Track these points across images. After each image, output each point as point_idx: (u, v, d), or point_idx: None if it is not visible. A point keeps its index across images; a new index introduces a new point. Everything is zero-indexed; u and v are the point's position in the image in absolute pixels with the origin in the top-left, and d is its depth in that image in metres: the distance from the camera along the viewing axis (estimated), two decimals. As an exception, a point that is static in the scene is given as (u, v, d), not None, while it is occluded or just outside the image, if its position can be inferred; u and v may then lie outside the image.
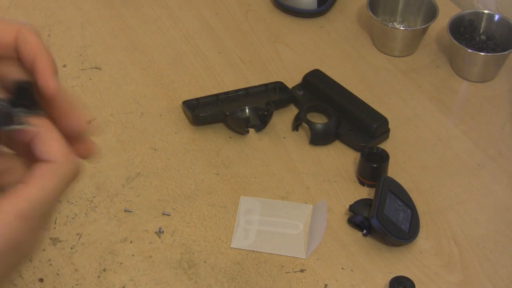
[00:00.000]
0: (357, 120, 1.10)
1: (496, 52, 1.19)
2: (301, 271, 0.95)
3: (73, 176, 0.66)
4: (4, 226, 0.63)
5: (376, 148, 1.05)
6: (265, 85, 1.15)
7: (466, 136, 1.12)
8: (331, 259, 0.97)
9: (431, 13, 1.22)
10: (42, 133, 0.66)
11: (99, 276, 0.94)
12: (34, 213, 0.64)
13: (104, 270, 0.95)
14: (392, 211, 0.98)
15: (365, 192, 1.04)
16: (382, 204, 0.97)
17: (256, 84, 1.16)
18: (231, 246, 0.98)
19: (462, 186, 1.05)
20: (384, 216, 0.96)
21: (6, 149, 0.70)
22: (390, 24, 1.26)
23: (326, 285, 0.94)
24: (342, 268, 0.96)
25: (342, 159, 1.08)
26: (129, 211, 1.01)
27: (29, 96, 0.67)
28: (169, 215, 1.01)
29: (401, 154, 1.09)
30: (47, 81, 0.67)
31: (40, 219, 0.66)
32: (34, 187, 0.64)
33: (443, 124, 1.13)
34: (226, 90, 1.14)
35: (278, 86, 1.15)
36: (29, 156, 0.68)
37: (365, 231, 0.99)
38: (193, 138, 1.10)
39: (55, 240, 0.98)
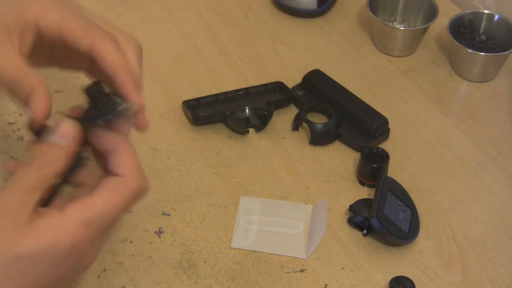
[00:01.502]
0: (357, 120, 1.10)
1: (496, 52, 1.19)
2: (301, 271, 0.96)
3: (140, 194, 0.70)
4: (70, 232, 0.66)
5: (376, 148, 1.05)
6: (265, 85, 1.15)
7: (466, 136, 1.12)
8: (331, 259, 0.97)
9: (431, 13, 1.22)
10: (120, 148, 0.70)
11: (99, 276, 0.94)
12: (99, 224, 0.67)
13: (104, 270, 0.95)
14: (392, 211, 0.98)
15: (365, 192, 1.04)
16: (382, 204, 0.97)
17: (256, 84, 1.16)
18: (231, 246, 0.98)
19: (462, 186, 1.05)
20: (384, 216, 0.96)
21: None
22: (390, 24, 1.26)
23: (326, 285, 0.94)
24: (342, 268, 0.96)
25: (342, 159, 1.08)
26: (129, 211, 1.01)
27: (103, 95, 0.71)
28: (169, 215, 1.01)
29: (401, 154, 1.09)
30: (131, 100, 0.71)
31: (103, 231, 0.68)
32: (102, 199, 0.67)
33: (443, 124, 1.13)
34: (226, 90, 1.14)
35: (278, 86, 1.15)
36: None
37: (365, 231, 0.99)
38: (193, 138, 1.10)
39: (55, 240, 0.97)
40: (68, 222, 0.66)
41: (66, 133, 0.69)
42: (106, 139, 0.71)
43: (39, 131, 0.71)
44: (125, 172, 0.69)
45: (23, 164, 0.68)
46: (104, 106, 0.71)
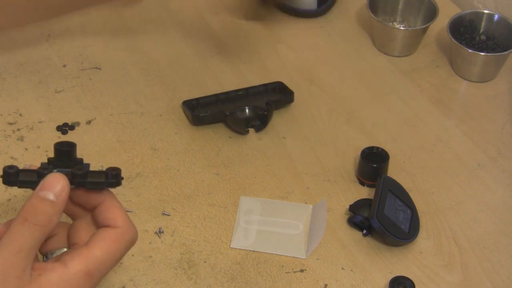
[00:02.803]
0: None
1: (496, 52, 1.19)
2: (301, 271, 0.95)
3: (133, 243, 0.73)
4: (75, 285, 0.69)
5: (376, 148, 1.05)
6: (265, 85, 1.15)
7: (466, 136, 1.12)
8: (331, 259, 0.97)
9: (431, 13, 1.22)
10: (108, 200, 0.73)
11: (99, 276, 0.94)
12: (99, 273, 0.71)
13: (104, 270, 0.95)
14: (392, 211, 0.98)
15: (365, 192, 1.04)
16: (382, 204, 0.97)
17: (256, 84, 1.16)
18: (231, 246, 0.98)
19: (462, 186, 1.05)
20: (384, 216, 0.96)
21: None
22: (390, 24, 1.26)
23: (326, 285, 0.94)
24: (342, 268, 0.96)
25: (342, 159, 1.08)
26: (129, 211, 1.01)
27: (70, 157, 0.73)
28: (169, 215, 1.01)
29: (401, 154, 1.09)
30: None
31: (100, 279, 0.72)
32: (101, 250, 0.70)
33: (443, 124, 1.13)
34: (226, 90, 1.14)
35: (278, 86, 1.15)
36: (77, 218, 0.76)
37: (365, 231, 0.99)
38: (193, 138, 1.10)
39: (55, 240, 0.98)
40: (72, 276, 0.69)
41: (59, 190, 0.70)
42: (92, 194, 0.73)
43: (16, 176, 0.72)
44: (119, 224, 0.72)
45: (15, 221, 0.69)
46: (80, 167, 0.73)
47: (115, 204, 0.73)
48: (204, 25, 1.28)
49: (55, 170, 0.72)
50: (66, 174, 0.71)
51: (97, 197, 0.73)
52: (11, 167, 0.72)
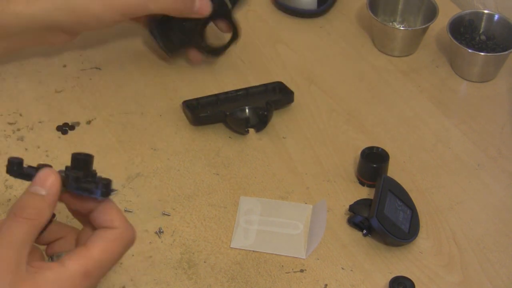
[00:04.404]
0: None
1: (496, 52, 1.19)
2: (301, 271, 0.95)
3: (131, 243, 0.74)
4: (72, 284, 0.69)
5: (376, 148, 1.05)
6: (265, 85, 1.15)
7: (466, 136, 1.12)
8: (331, 259, 0.97)
9: (431, 13, 1.22)
10: (104, 203, 0.73)
11: (99, 276, 0.94)
12: (97, 273, 0.71)
13: (104, 270, 0.95)
14: (392, 211, 0.98)
15: (365, 192, 1.04)
16: (382, 204, 0.97)
17: (256, 84, 1.16)
18: (231, 246, 0.98)
19: (462, 186, 1.05)
20: (384, 216, 0.96)
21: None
22: (390, 24, 1.26)
23: (326, 285, 0.94)
24: (342, 268, 0.96)
25: (342, 159, 1.08)
26: (129, 211, 1.01)
27: (86, 167, 0.74)
28: (169, 215, 1.01)
29: (401, 154, 1.09)
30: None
31: (100, 278, 0.72)
32: (99, 249, 0.71)
33: (443, 124, 1.13)
34: (226, 90, 1.14)
35: (278, 86, 1.15)
36: (85, 222, 0.77)
37: (365, 231, 0.99)
38: (193, 138, 1.10)
39: (55, 240, 0.98)
40: (69, 275, 0.69)
41: (50, 184, 0.71)
42: (87, 199, 0.73)
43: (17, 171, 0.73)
44: (117, 225, 0.73)
45: (7, 217, 0.70)
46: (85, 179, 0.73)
47: (111, 205, 0.73)
48: (204, 25, 1.28)
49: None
50: (61, 175, 0.72)
51: (92, 201, 0.73)
52: (16, 158, 0.73)
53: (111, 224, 0.72)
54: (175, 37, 1.14)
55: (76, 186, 0.72)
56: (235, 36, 1.17)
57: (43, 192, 0.70)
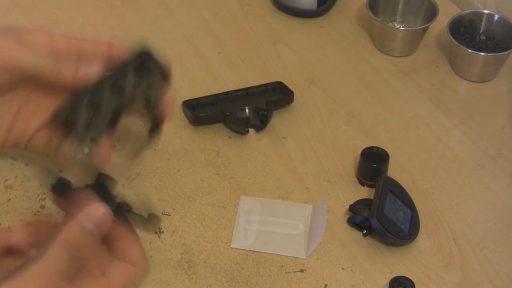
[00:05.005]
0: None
1: (496, 52, 1.19)
2: (301, 271, 0.96)
3: (144, 278, 0.74)
4: None
5: (376, 148, 1.05)
6: (265, 85, 1.15)
7: (466, 136, 1.12)
8: (331, 259, 0.97)
9: (431, 13, 1.22)
10: (129, 235, 0.74)
11: (99, 276, 0.94)
12: None
13: (104, 270, 0.95)
14: (392, 211, 0.98)
15: (365, 192, 1.04)
16: (382, 204, 0.97)
17: (256, 84, 1.16)
18: (231, 246, 0.98)
19: (462, 186, 1.05)
20: (384, 216, 0.96)
21: None
22: (390, 24, 1.26)
23: (326, 285, 0.94)
24: (342, 268, 0.96)
25: (342, 159, 1.08)
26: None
27: (106, 190, 0.76)
28: (169, 215, 1.01)
29: (401, 154, 1.09)
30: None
31: None
32: (117, 284, 0.71)
33: (443, 124, 1.13)
34: (226, 90, 1.14)
35: (278, 86, 1.15)
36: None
37: (365, 231, 0.99)
38: (193, 138, 1.10)
39: (55, 240, 0.97)
40: None
41: (102, 222, 0.71)
42: (115, 225, 0.74)
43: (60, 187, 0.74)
44: (136, 261, 0.73)
45: (52, 240, 0.69)
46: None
47: (134, 238, 0.74)
48: (204, 25, 1.28)
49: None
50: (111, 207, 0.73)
51: (119, 228, 0.74)
52: (64, 179, 0.74)
53: (131, 260, 0.73)
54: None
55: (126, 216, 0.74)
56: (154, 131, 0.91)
57: (96, 231, 0.71)
